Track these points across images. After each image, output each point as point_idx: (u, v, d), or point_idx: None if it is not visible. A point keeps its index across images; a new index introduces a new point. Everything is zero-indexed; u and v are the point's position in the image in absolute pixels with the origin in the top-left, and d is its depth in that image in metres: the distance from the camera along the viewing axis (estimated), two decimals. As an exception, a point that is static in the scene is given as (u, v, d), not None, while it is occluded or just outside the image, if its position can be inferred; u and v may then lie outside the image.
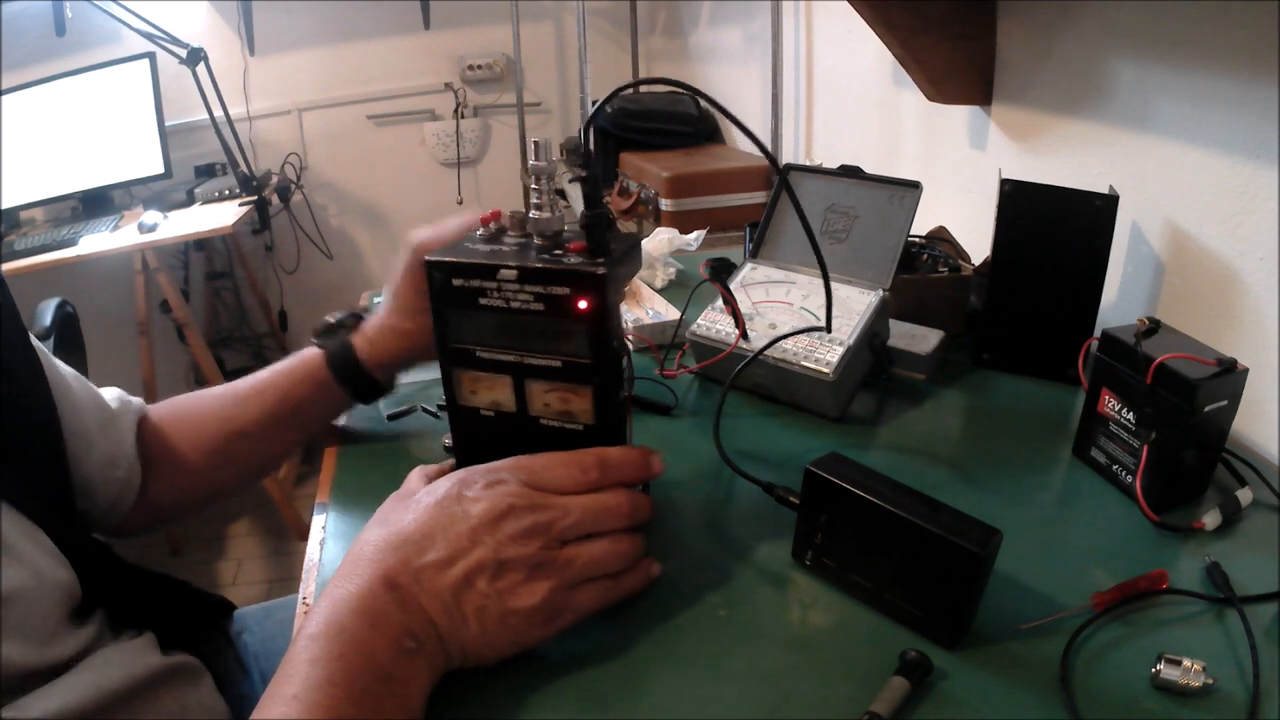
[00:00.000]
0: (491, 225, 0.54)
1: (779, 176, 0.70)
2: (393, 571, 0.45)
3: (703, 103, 2.19)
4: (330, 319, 0.73)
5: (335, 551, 0.60)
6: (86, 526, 0.65)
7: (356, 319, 0.72)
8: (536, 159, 0.51)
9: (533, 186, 0.52)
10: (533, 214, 0.52)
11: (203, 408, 0.72)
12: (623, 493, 0.50)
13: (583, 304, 0.48)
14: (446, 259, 0.50)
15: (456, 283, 0.50)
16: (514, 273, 0.49)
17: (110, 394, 0.69)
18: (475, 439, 0.55)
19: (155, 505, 0.69)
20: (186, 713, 0.57)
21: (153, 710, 0.54)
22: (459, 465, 0.52)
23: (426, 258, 0.51)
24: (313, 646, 0.42)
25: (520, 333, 0.51)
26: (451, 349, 0.53)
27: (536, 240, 0.52)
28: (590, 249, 0.50)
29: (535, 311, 0.50)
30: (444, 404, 0.73)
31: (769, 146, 1.88)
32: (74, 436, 0.61)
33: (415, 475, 0.55)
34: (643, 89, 2.63)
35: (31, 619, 0.48)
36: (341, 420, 0.78)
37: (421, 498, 0.49)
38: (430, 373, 0.86)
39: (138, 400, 0.71)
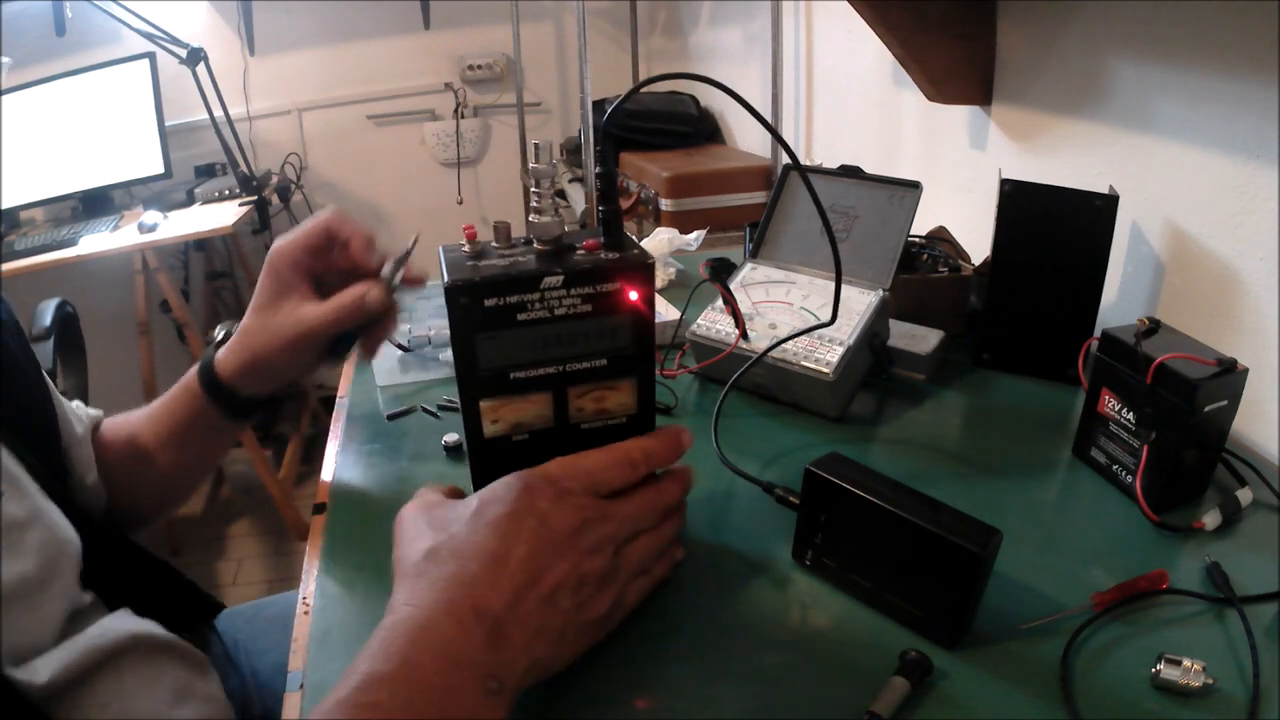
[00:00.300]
0: (467, 245, 0.50)
1: (794, 168, 0.70)
2: (483, 603, 0.41)
3: (703, 102, 2.19)
4: (218, 329, 0.70)
5: (335, 551, 0.60)
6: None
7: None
8: (537, 161, 0.49)
9: (533, 189, 0.50)
10: (532, 218, 0.50)
11: (124, 421, 0.73)
12: (667, 487, 0.51)
13: (634, 294, 0.48)
14: (475, 279, 0.45)
15: (490, 303, 0.46)
16: (560, 277, 0.47)
17: (73, 405, 0.71)
18: (505, 470, 0.47)
19: (119, 512, 0.71)
20: (191, 692, 0.57)
21: (155, 682, 0.54)
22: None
23: (447, 283, 0.46)
24: (379, 691, 0.37)
25: (563, 340, 0.48)
26: (480, 378, 0.48)
27: (537, 245, 0.50)
28: (609, 243, 0.49)
29: (581, 314, 0.48)
30: (445, 403, 0.72)
31: (769, 147, 1.88)
32: (65, 439, 0.63)
33: (425, 490, 0.51)
34: (643, 89, 2.63)
35: (67, 579, 0.51)
36: (343, 391, 0.77)
37: (485, 509, 0.45)
38: (428, 373, 0.86)
39: (95, 411, 0.73)
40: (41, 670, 0.46)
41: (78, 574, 0.54)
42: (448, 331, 0.87)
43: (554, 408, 0.50)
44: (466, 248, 0.49)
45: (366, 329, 0.63)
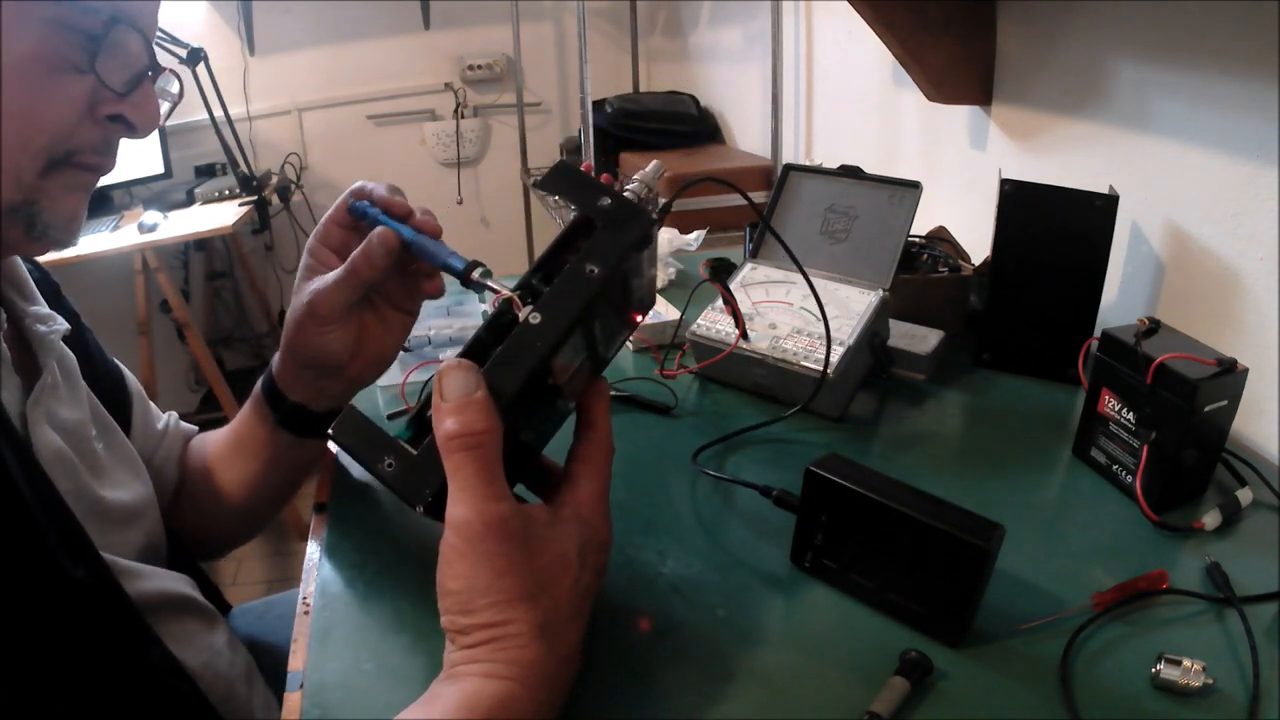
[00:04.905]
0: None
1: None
2: (568, 687, 0.44)
3: (703, 102, 2.19)
4: None
5: (335, 551, 0.60)
6: None
7: None
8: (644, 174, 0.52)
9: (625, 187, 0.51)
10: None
11: (214, 435, 0.72)
12: None
13: (638, 318, 0.54)
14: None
15: (644, 254, 0.49)
16: (654, 271, 0.53)
17: (165, 415, 0.74)
18: (527, 401, 0.44)
19: (186, 524, 0.70)
20: (218, 658, 0.61)
21: (201, 641, 0.60)
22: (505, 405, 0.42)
23: (652, 216, 0.47)
24: None
25: (611, 317, 0.50)
26: (597, 303, 0.45)
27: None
28: None
29: (629, 304, 0.52)
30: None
31: (770, 147, 1.88)
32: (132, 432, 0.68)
33: (492, 460, 0.42)
34: (642, 89, 2.63)
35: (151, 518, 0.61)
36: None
37: (581, 582, 0.44)
38: (429, 373, 0.86)
39: (189, 426, 0.75)
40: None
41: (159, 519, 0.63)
42: (448, 332, 0.88)
43: (574, 368, 0.47)
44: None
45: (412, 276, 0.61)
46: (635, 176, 0.51)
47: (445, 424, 0.41)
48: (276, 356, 0.63)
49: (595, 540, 0.46)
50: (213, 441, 0.72)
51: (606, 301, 0.46)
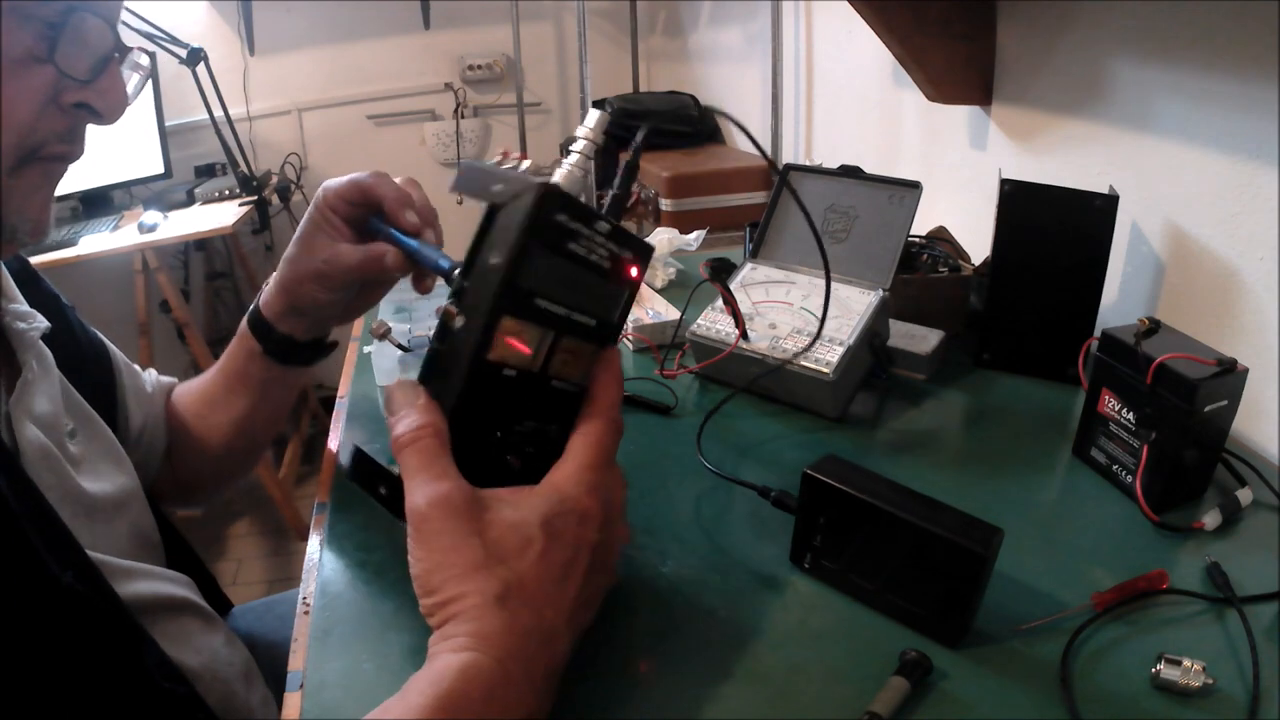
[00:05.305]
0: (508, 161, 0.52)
1: (791, 168, 0.70)
2: (556, 660, 0.42)
3: (703, 102, 2.19)
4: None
5: (335, 551, 0.60)
6: None
7: None
8: (591, 125, 0.52)
9: (577, 150, 0.52)
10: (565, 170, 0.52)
11: (194, 381, 0.77)
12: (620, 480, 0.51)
13: (634, 271, 0.51)
14: (561, 192, 0.45)
15: (560, 219, 0.45)
16: (608, 226, 0.48)
17: (147, 375, 0.76)
18: (484, 402, 0.46)
19: (175, 478, 0.76)
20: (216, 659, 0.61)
21: (193, 639, 0.59)
22: (454, 427, 0.45)
23: (544, 182, 0.45)
24: None
25: (578, 289, 0.48)
26: (514, 292, 0.45)
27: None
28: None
29: (600, 270, 0.49)
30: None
31: (770, 147, 1.88)
32: (121, 403, 0.71)
33: (435, 448, 0.44)
34: (642, 89, 2.63)
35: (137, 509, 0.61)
36: (343, 391, 0.81)
37: (550, 551, 0.43)
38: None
39: (168, 379, 0.78)
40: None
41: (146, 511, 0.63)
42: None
43: (547, 351, 0.48)
44: (512, 164, 0.51)
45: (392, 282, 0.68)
46: (577, 133, 0.52)
47: (393, 433, 0.44)
48: (266, 293, 0.67)
49: (572, 511, 0.44)
50: (199, 388, 0.75)
51: (547, 279, 0.46)
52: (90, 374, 0.67)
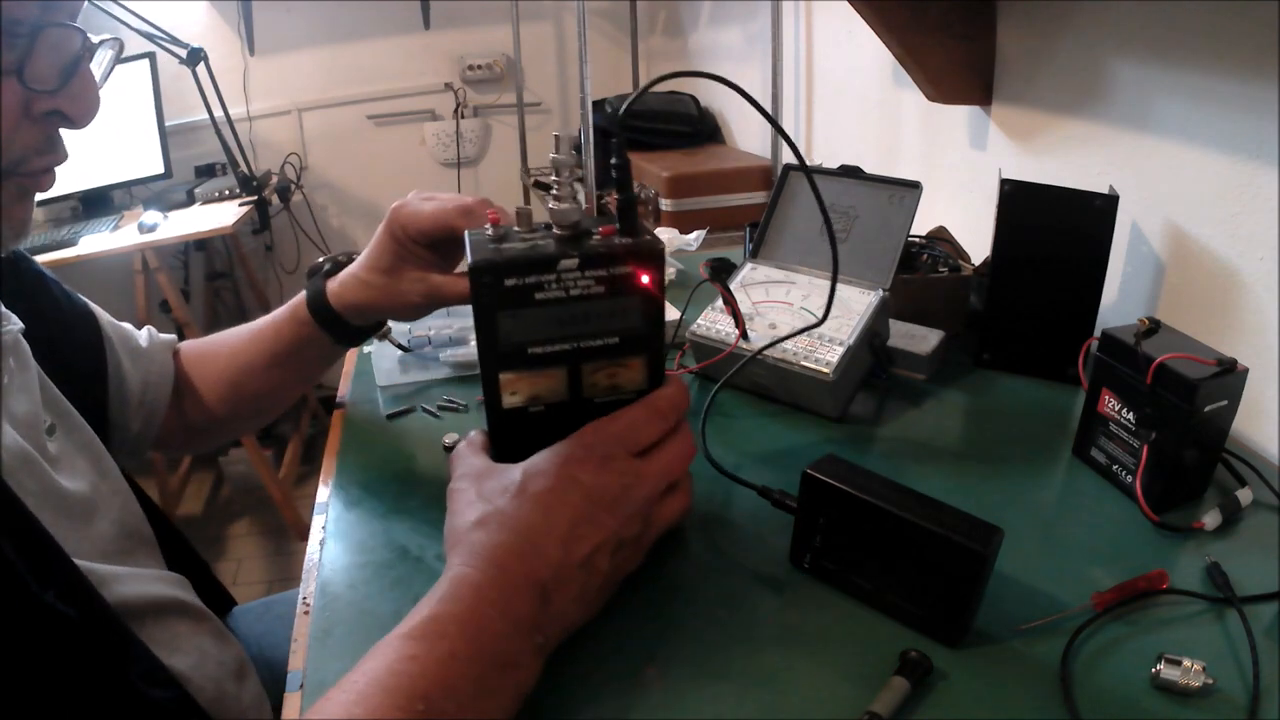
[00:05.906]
0: (490, 229, 0.52)
1: (797, 168, 0.70)
2: (534, 573, 0.45)
3: (704, 102, 2.19)
4: (321, 260, 0.74)
5: (335, 551, 0.60)
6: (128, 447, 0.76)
7: (346, 260, 0.72)
8: (558, 152, 0.53)
9: (554, 179, 0.53)
10: (552, 205, 0.52)
11: (221, 342, 0.80)
12: (687, 436, 0.54)
13: (645, 278, 0.51)
14: (496, 260, 0.49)
15: (510, 282, 0.49)
16: (575, 260, 0.49)
17: (140, 333, 0.79)
18: (522, 439, 0.52)
19: (186, 426, 0.79)
20: (206, 658, 0.60)
21: (186, 640, 0.59)
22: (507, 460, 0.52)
23: (471, 262, 0.49)
24: (446, 624, 0.42)
25: (578, 319, 0.51)
26: (500, 353, 0.51)
27: (556, 230, 0.52)
28: (624, 229, 0.52)
29: (596, 295, 0.50)
30: (445, 403, 0.75)
31: (770, 147, 1.88)
32: (114, 369, 0.73)
33: (468, 452, 0.53)
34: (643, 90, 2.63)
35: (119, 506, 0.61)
36: (343, 391, 0.82)
37: (528, 484, 0.48)
38: (429, 373, 0.86)
39: (169, 336, 0.81)
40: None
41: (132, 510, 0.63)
42: (448, 332, 0.88)
43: (568, 382, 0.53)
44: (490, 231, 0.52)
45: None
46: (551, 160, 0.53)
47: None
48: (336, 290, 0.69)
49: (553, 464, 0.49)
50: (228, 354, 0.79)
51: (531, 329, 0.51)
52: (77, 339, 0.69)
